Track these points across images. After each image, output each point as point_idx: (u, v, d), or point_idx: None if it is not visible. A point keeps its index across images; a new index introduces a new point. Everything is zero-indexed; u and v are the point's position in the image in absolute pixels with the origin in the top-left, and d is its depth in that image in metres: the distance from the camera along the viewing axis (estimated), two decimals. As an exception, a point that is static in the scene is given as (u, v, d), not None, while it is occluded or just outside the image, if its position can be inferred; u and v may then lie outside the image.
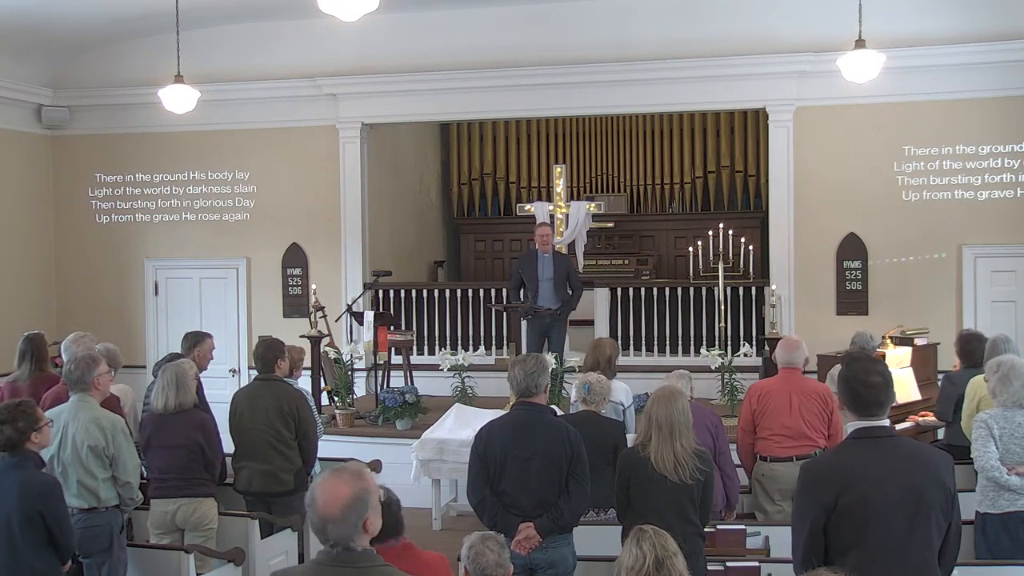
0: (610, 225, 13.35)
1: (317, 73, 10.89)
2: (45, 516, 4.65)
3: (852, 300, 10.13)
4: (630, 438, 6.36)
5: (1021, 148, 9.79)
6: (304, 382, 7.79)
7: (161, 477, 5.95)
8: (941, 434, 8.19)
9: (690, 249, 10.38)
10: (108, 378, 5.75)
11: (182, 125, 10.77)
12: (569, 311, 9.94)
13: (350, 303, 10.34)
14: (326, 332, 9.98)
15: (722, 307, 10.07)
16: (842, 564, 3.43)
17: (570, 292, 9.83)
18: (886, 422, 3.59)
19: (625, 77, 10.47)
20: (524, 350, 9.73)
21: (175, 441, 5.89)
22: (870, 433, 3.56)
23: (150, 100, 9.86)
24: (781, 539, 5.00)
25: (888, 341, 8.76)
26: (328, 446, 7.91)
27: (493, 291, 11.39)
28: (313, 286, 10.38)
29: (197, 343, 6.93)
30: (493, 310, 11.15)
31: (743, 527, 5.59)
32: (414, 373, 10.03)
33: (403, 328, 10.98)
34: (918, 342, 8.85)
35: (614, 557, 3.68)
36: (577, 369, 8.56)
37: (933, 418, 8.14)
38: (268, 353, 6.44)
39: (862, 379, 3.59)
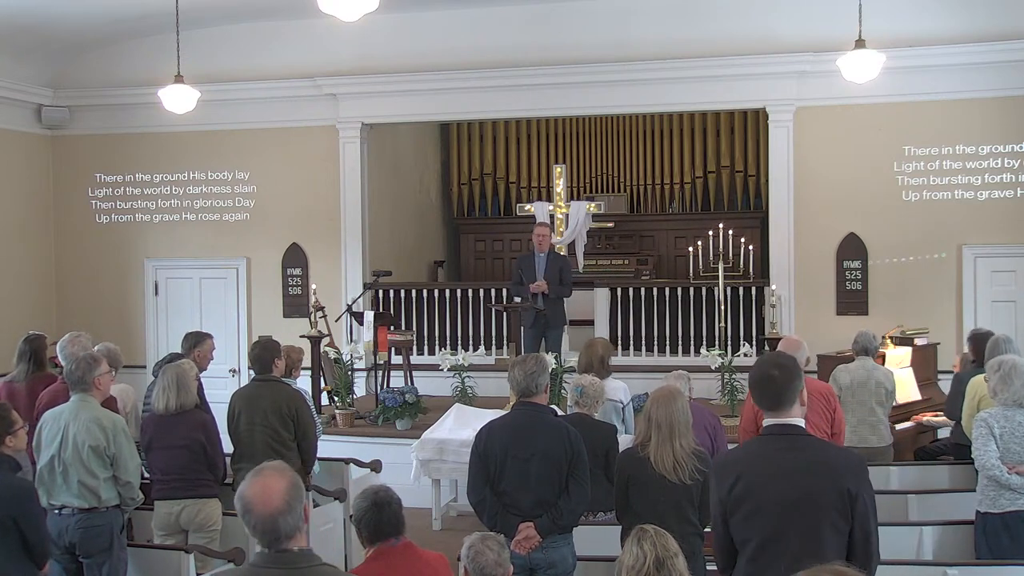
0: (610, 225, 13.35)
1: (317, 73, 10.89)
2: (18, 521, 4.58)
3: (852, 300, 10.13)
4: (629, 439, 6.37)
5: (1021, 148, 9.79)
6: (304, 382, 7.79)
7: (164, 478, 5.94)
8: (941, 434, 8.21)
9: (690, 249, 10.38)
10: (109, 378, 5.73)
11: (182, 125, 10.77)
12: (557, 305, 9.93)
13: (350, 303, 10.33)
14: (326, 332, 9.98)
15: (722, 307, 10.07)
16: (743, 554, 3.52)
17: (559, 291, 9.86)
18: (795, 420, 3.59)
19: (625, 77, 10.47)
20: (523, 352, 9.74)
21: (177, 442, 5.88)
22: (777, 430, 3.58)
23: (150, 100, 9.86)
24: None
25: (888, 341, 8.76)
26: (328, 446, 7.90)
27: (493, 291, 11.38)
28: (313, 286, 10.38)
29: (197, 343, 6.92)
30: (493, 310, 11.15)
31: (743, 527, 5.58)
32: (414, 373, 10.03)
33: (403, 328, 10.98)
34: (918, 342, 8.85)
35: (613, 557, 3.68)
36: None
37: (937, 419, 8.14)
38: (264, 354, 6.42)
39: (761, 373, 3.63)
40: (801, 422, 3.62)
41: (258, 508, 2.88)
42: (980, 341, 7.19)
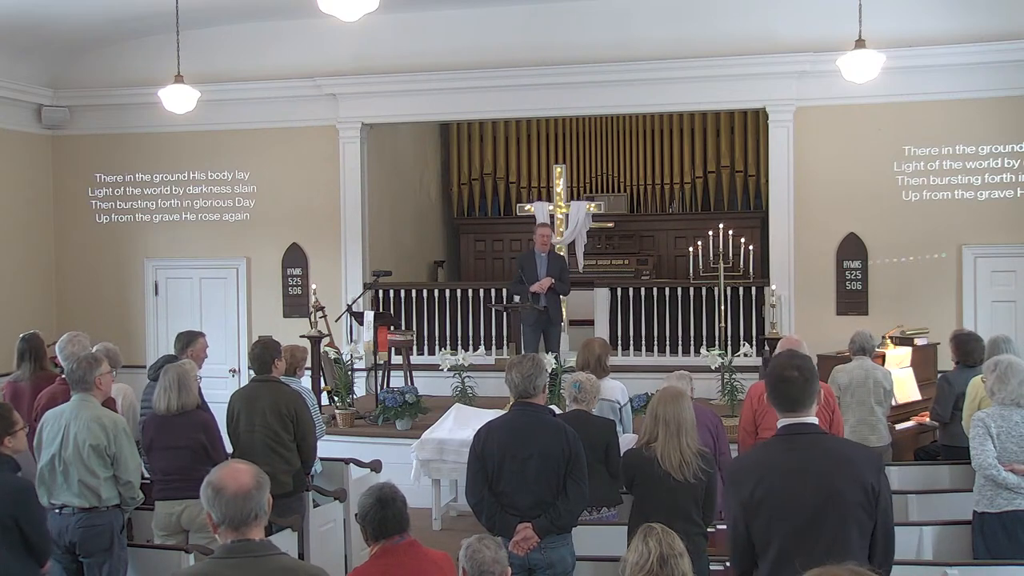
0: (610, 225, 13.34)
1: (317, 73, 10.89)
2: (19, 520, 4.60)
3: (852, 300, 10.14)
4: (628, 438, 6.37)
5: (1021, 148, 9.80)
6: (304, 382, 7.77)
7: (165, 479, 5.91)
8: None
9: (690, 249, 10.37)
10: (110, 377, 5.74)
11: (182, 125, 10.77)
12: (556, 302, 10.01)
13: (350, 303, 10.34)
14: (326, 332, 9.98)
15: (722, 307, 10.07)
16: (765, 558, 3.48)
17: (559, 288, 9.92)
18: (812, 420, 3.58)
19: (625, 77, 10.47)
20: (523, 350, 9.76)
21: (179, 442, 5.86)
22: (794, 430, 3.56)
23: (150, 100, 9.86)
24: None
25: (888, 341, 8.77)
26: (328, 446, 7.90)
27: (493, 291, 11.39)
28: (313, 286, 10.39)
29: (190, 343, 6.88)
30: (493, 310, 11.16)
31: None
32: (414, 373, 10.04)
33: (403, 328, 10.98)
34: (918, 342, 8.86)
35: (614, 557, 3.69)
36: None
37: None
38: (264, 354, 6.40)
39: (779, 374, 3.59)
40: (816, 421, 3.60)
41: (230, 486, 3.04)
42: (962, 342, 7.20)
